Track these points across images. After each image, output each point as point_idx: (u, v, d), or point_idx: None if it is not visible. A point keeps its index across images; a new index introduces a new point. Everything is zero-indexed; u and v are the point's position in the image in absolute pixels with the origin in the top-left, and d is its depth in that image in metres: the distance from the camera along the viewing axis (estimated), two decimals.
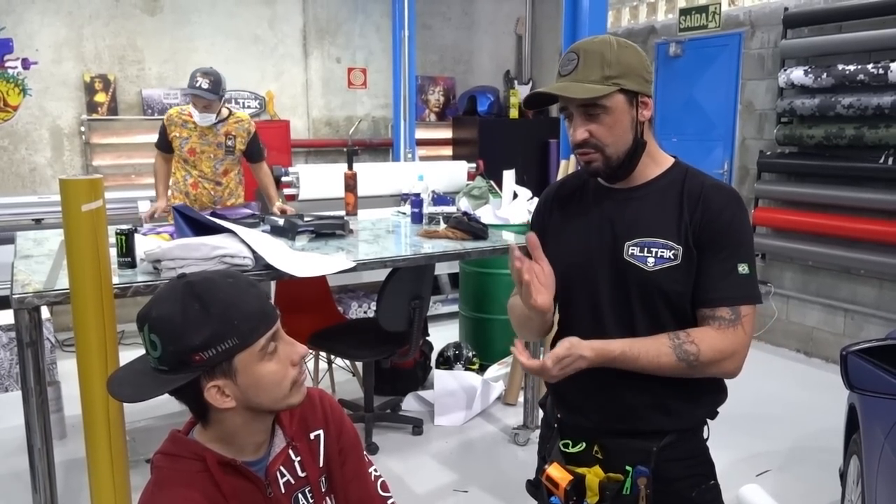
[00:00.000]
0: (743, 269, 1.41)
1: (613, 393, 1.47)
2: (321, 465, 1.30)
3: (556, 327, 1.63)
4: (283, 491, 1.24)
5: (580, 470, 1.48)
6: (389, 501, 1.43)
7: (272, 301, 3.97)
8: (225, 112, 3.99)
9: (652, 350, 1.38)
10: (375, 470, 1.43)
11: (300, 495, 1.26)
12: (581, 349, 1.35)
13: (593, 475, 1.46)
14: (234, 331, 1.10)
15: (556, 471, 1.48)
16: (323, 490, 1.29)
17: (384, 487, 1.43)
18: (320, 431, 1.32)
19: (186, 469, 1.16)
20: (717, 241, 1.41)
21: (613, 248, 1.45)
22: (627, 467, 1.44)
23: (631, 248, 1.44)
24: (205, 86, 3.78)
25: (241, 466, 1.19)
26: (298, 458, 1.27)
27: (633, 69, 1.41)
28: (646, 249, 1.42)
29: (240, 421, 1.17)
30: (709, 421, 1.54)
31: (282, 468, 1.24)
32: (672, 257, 1.41)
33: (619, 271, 1.45)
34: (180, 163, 4.05)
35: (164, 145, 4.04)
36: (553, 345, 1.60)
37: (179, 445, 1.19)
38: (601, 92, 1.38)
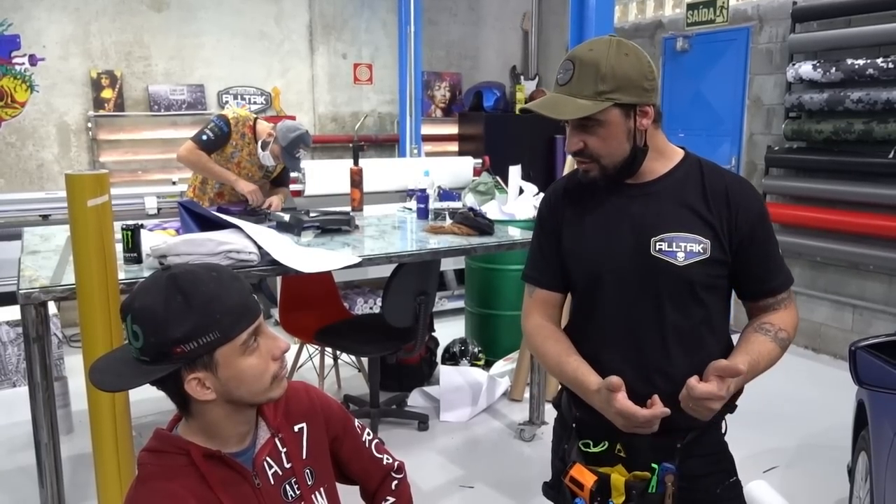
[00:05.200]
0: (780, 251, 1.51)
1: (640, 389, 1.44)
2: (304, 457, 1.31)
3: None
4: (273, 482, 1.24)
5: (603, 470, 1.45)
6: (385, 461, 1.46)
7: (277, 297, 4.02)
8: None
9: (763, 350, 1.43)
10: (368, 434, 1.46)
11: (287, 486, 1.27)
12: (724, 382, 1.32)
13: (618, 474, 1.44)
14: (216, 324, 1.11)
15: (579, 472, 1.45)
16: (310, 483, 1.30)
17: (379, 449, 1.46)
18: (304, 425, 1.32)
19: (170, 464, 1.17)
20: (757, 233, 1.46)
21: (639, 243, 1.44)
22: (653, 465, 1.41)
23: (658, 243, 1.43)
24: (302, 158, 3.68)
25: (227, 457, 1.20)
26: (285, 450, 1.27)
27: (630, 81, 1.37)
28: (674, 244, 1.42)
29: (221, 413, 1.18)
30: (727, 416, 1.53)
31: (268, 459, 1.25)
32: (702, 251, 1.42)
33: (648, 267, 1.43)
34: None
35: (217, 147, 3.65)
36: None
37: (163, 441, 1.20)
38: (591, 110, 1.36)
